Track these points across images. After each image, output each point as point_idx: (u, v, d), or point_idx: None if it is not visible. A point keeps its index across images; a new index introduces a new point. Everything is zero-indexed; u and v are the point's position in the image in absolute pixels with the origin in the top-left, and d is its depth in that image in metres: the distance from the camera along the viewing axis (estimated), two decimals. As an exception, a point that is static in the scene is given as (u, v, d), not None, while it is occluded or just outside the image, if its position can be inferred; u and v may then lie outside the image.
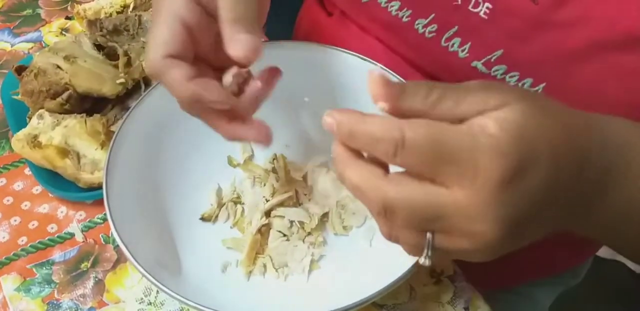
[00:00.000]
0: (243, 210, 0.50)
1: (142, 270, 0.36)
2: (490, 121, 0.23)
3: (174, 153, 0.48)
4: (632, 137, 0.29)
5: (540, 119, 0.24)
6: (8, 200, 0.53)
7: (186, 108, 0.35)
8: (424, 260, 0.26)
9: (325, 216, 0.48)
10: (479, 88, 0.25)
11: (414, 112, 0.25)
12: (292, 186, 0.49)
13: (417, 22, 0.44)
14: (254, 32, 0.32)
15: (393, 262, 0.42)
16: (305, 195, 0.49)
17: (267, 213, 0.48)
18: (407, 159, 0.24)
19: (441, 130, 0.23)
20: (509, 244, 0.25)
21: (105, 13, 0.58)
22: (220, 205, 0.49)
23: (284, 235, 0.47)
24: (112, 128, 0.52)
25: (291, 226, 0.47)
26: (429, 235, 0.25)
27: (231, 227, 0.49)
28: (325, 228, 0.48)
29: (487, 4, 0.39)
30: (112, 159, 0.43)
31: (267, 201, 0.48)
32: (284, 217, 0.48)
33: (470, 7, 0.40)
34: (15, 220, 0.52)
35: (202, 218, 0.48)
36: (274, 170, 0.51)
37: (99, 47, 0.56)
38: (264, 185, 0.51)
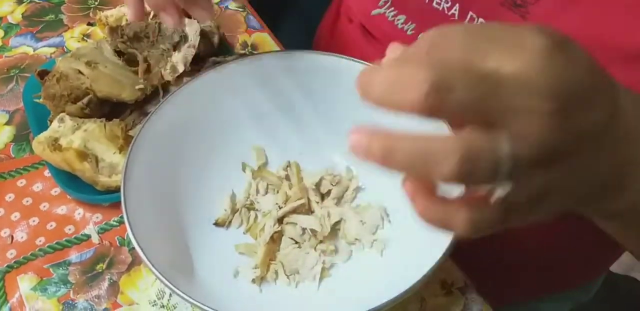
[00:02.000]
0: (256, 216, 0.50)
1: (156, 272, 0.37)
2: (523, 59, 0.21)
3: (190, 158, 0.49)
4: None
5: (577, 52, 0.22)
6: (27, 201, 0.55)
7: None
8: (501, 191, 0.22)
9: (337, 224, 0.49)
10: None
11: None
12: (305, 193, 0.50)
13: (420, 36, 0.44)
14: None
15: (404, 273, 0.42)
16: (318, 203, 0.49)
17: (280, 220, 0.49)
18: (447, 51, 0.22)
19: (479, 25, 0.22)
20: (564, 135, 0.21)
21: (127, 20, 0.59)
22: (234, 211, 0.50)
23: (296, 242, 0.48)
24: (131, 133, 0.53)
25: (303, 233, 0.48)
26: (504, 137, 0.20)
27: (244, 233, 0.49)
28: (337, 237, 0.49)
29: (481, 20, 0.40)
30: (130, 163, 0.43)
31: (280, 208, 0.49)
32: (296, 224, 0.48)
33: (466, 23, 0.41)
34: (34, 221, 0.53)
35: (216, 224, 0.49)
36: (287, 177, 0.52)
37: (119, 53, 0.58)
38: (277, 192, 0.51)
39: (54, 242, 0.52)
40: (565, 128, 0.21)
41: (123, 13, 0.60)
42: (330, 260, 0.47)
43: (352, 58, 0.46)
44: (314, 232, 0.48)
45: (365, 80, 0.22)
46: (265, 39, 0.68)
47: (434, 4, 0.43)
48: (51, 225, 0.53)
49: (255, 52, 0.66)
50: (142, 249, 0.38)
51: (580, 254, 0.56)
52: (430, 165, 0.20)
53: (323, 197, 0.51)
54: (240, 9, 0.72)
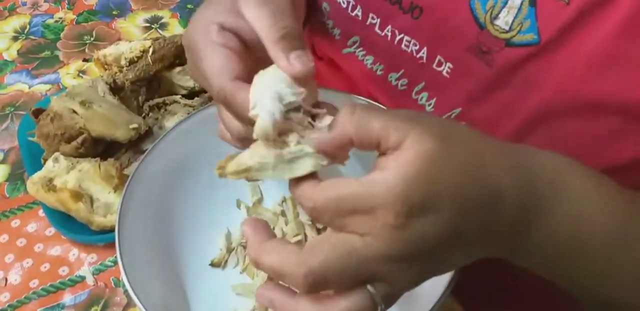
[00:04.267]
0: (253, 254, 0.50)
1: None
2: (390, 163, 0.24)
3: (185, 197, 0.49)
4: (565, 176, 0.29)
5: (442, 161, 0.24)
6: (21, 242, 0.54)
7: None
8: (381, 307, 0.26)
9: (334, 261, 0.48)
10: (402, 117, 0.25)
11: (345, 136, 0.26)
12: (302, 229, 0.49)
13: (389, 75, 0.45)
14: (304, 46, 0.30)
15: (405, 307, 0.42)
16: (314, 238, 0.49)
17: None
18: (325, 221, 0.26)
19: (342, 187, 0.25)
20: (423, 274, 0.27)
21: (125, 58, 0.59)
22: (230, 250, 0.49)
23: (294, 281, 0.47)
24: (126, 171, 0.53)
25: (301, 271, 0.47)
26: (369, 286, 0.25)
27: (241, 272, 0.49)
28: (334, 274, 0.48)
29: (448, 64, 0.40)
30: (125, 203, 0.43)
31: (276, 246, 0.48)
32: (293, 262, 0.48)
33: (434, 66, 0.41)
34: (27, 263, 0.53)
35: (212, 264, 0.48)
36: (282, 213, 0.51)
37: (114, 90, 0.58)
38: (273, 228, 0.51)
39: (48, 285, 0.51)
40: (413, 270, 0.25)
41: (121, 51, 0.60)
42: (329, 299, 0.46)
43: (336, 90, 0.46)
44: (311, 270, 0.47)
45: (252, 260, 0.27)
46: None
47: (402, 46, 0.43)
48: (45, 267, 0.52)
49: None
50: (134, 291, 0.38)
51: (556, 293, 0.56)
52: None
53: (319, 232, 0.50)
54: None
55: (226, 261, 0.49)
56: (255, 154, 0.28)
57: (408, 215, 0.23)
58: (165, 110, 0.58)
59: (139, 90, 0.59)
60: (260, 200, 0.53)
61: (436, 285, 0.39)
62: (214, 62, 0.32)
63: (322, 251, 0.25)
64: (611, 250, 0.30)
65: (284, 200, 0.52)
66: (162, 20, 0.78)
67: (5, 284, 0.51)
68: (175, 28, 0.76)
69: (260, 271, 0.48)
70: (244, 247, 0.50)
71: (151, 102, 0.58)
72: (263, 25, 0.30)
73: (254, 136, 0.28)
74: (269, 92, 0.27)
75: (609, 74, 0.33)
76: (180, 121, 0.49)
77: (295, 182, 0.27)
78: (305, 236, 0.49)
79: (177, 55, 0.60)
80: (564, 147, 0.35)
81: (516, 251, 0.30)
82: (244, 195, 0.53)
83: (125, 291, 0.50)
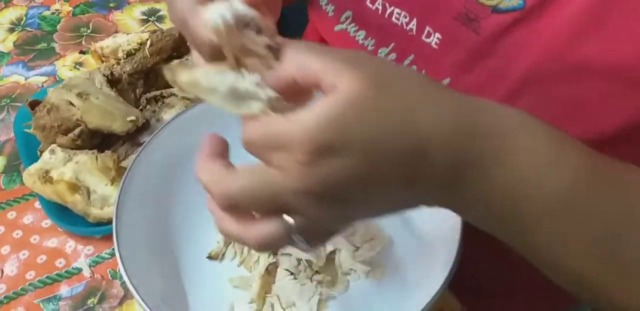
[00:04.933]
0: (249, 248, 0.50)
1: (146, 307, 0.36)
2: (317, 104, 0.25)
3: (183, 190, 0.49)
4: (511, 139, 0.28)
5: (363, 107, 0.25)
6: (17, 234, 0.54)
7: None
8: (305, 247, 0.28)
9: (332, 254, 0.48)
10: (339, 56, 0.26)
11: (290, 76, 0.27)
12: (300, 223, 0.49)
13: (379, 51, 0.46)
14: None
15: (402, 302, 0.42)
16: (313, 233, 0.49)
17: (274, 251, 0.48)
18: (254, 153, 0.27)
19: (269, 123, 0.26)
20: (343, 212, 0.27)
21: (123, 50, 0.59)
22: (227, 243, 0.49)
23: (292, 274, 0.47)
24: (123, 164, 0.53)
25: (299, 264, 0.47)
26: (288, 218, 0.27)
27: (238, 265, 0.48)
28: (332, 267, 0.48)
29: (437, 34, 0.41)
30: (122, 195, 0.43)
31: (274, 239, 0.48)
32: (291, 255, 0.48)
33: (423, 37, 0.42)
34: (24, 254, 0.52)
35: (209, 257, 0.48)
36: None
37: (111, 82, 0.58)
38: (272, 221, 0.51)
39: (45, 276, 0.51)
40: (330, 207, 0.26)
41: (118, 44, 0.60)
42: (327, 291, 0.46)
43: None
44: (309, 263, 0.47)
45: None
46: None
47: (393, 19, 0.43)
48: (41, 259, 0.52)
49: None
50: (132, 283, 0.38)
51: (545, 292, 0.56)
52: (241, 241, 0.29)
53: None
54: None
55: (223, 254, 0.49)
56: (212, 76, 0.28)
57: (315, 154, 0.24)
58: (163, 102, 0.57)
59: (137, 83, 0.59)
60: (258, 193, 0.53)
61: (433, 279, 0.39)
62: None
63: (243, 178, 0.27)
64: (553, 215, 0.28)
65: (282, 194, 0.52)
66: (160, 13, 0.78)
67: (2, 275, 0.51)
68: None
69: (257, 265, 0.48)
70: (242, 240, 0.50)
71: (148, 95, 0.58)
72: None
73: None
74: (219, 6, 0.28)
75: (592, 36, 0.33)
76: (179, 113, 0.49)
77: (247, 117, 0.28)
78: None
79: (174, 48, 0.60)
80: (551, 113, 0.36)
81: (455, 206, 0.30)
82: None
83: (123, 283, 0.50)
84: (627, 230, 0.29)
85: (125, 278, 0.38)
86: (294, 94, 0.27)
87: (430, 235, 0.45)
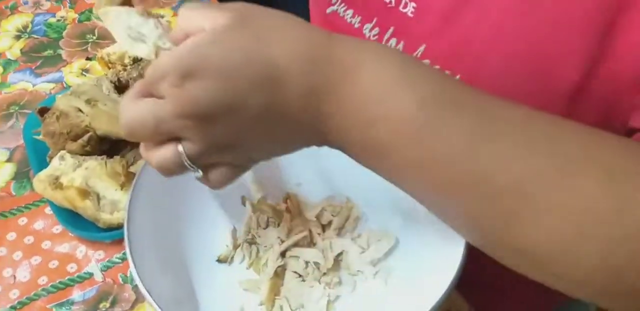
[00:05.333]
0: (258, 251, 0.50)
1: (158, 309, 0.37)
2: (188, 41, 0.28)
3: (191, 194, 0.49)
4: (362, 58, 0.29)
5: (220, 39, 0.28)
6: (29, 240, 0.55)
7: None
8: (197, 174, 0.32)
9: (339, 256, 0.49)
10: (215, 9, 0.29)
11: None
12: (306, 226, 0.50)
13: (365, 27, 0.48)
14: None
15: (410, 301, 0.42)
16: (319, 234, 0.50)
17: (282, 254, 0.49)
18: (149, 86, 0.30)
19: (158, 60, 0.29)
20: (226, 137, 0.30)
21: (129, 57, 0.60)
22: (236, 246, 0.50)
23: (300, 276, 0.48)
24: (131, 169, 0.53)
25: (306, 266, 0.48)
26: (179, 147, 0.30)
27: (247, 268, 0.49)
28: (340, 268, 0.49)
29: (412, 4, 0.44)
30: (133, 200, 0.44)
31: (282, 241, 0.49)
32: (299, 257, 0.48)
33: (400, 8, 0.45)
34: (36, 260, 0.53)
35: (219, 260, 0.49)
36: (287, 210, 0.52)
37: (118, 89, 0.58)
38: (278, 225, 0.51)
39: (57, 281, 0.51)
40: (210, 130, 0.29)
41: (125, 50, 0.61)
42: (335, 293, 0.47)
43: None
44: (317, 265, 0.48)
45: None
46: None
47: None
48: (53, 264, 0.53)
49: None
50: (145, 287, 0.38)
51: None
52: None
53: (324, 228, 0.51)
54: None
55: (232, 257, 0.50)
56: (122, 14, 0.33)
57: (180, 77, 0.27)
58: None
59: (143, 89, 0.59)
60: (264, 197, 0.53)
61: (440, 279, 0.40)
62: None
63: (130, 110, 0.30)
64: (403, 136, 0.29)
65: (288, 197, 0.53)
66: (164, 19, 0.78)
67: (14, 281, 0.52)
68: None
69: (266, 267, 0.49)
70: (250, 243, 0.51)
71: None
72: None
73: None
74: None
75: None
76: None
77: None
78: (310, 232, 0.50)
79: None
80: (516, 73, 0.39)
81: (323, 140, 0.32)
82: (248, 193, 0.53)
83: (134, 287, 0.50)
84: (477, 152, 0.28)
85: (137, 281, 0.38)
86: None
87: (436, 235, 0.45)
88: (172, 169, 0.32)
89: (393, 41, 0.46)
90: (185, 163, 0.31)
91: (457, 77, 0.42)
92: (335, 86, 0.29)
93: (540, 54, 0.38)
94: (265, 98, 0.28)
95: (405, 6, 0.44)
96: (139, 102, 0.30)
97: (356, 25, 0.49)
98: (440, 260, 0.43)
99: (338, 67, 0.29)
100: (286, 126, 0.30)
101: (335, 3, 0.50)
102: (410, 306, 0.42)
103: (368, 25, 0.48)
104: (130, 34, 0.32)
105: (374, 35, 0.47)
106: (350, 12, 0.49)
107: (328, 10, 0.51)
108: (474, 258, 0.41)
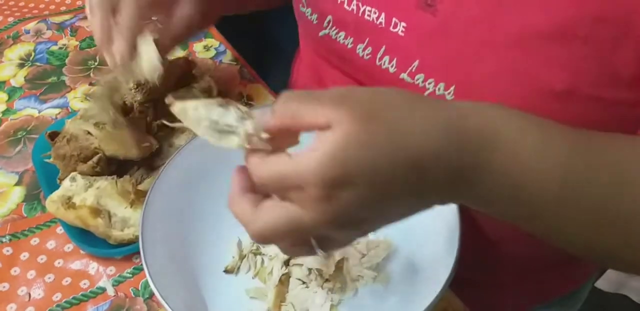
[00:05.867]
0: (263, 261, 0.53)
1: None
2: (317, 144, 0.28)
3: (199, 208, 0.53)
4: (500, 133, 0.31)
5: (356, 142, 0.28)
6: (42, 259, 0.57)
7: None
8: (324, 254, 0.32)
9: (340, 262, 0.52)
10: (327, 100, 0.29)
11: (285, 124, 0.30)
12: (308, 235, 0.53)
13: (358, 47, 0.52)
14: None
15: (408, 304, 0.45)
16: (321, 244, 0.52)
17: (286, 263, 0.52)
18: (269, 191, 0.31)
19: (276, 164, 0.29)
20: (362, 232, 0.32)
21: (133, 81, 0.63)
22: (242, 257, 0.53)
23: (303, 283, 0.50)
24: (139, 187, 0.56)
25: (309, 273, 0.51)
26: (313, 241, 0.31)
27: (253, 277, 0.52)
28: (341, 274, 0.51)
29: (402, 23, 0.47)
30: (145, 216, 0.47)
31: (286, 251, 0.52)
32: (302, 265, 0.51)
33: (391, 28, 0.48)
34: (49, 278, 0.55)
35: (226, 271, 0.51)
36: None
37: (124, 111, 0.61)
38: (282, 235, 0.54)
39: (71, 297, 0.54)
40: (350, 232, 0.32)
41: (127, 75, 0.64)
42: (338, 297, 0.49)
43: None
44: (319, 272, 0.50)
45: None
46: (259, 89, 0.72)
47: (366, 16, 0.49)
48: (67, 281, 0.55)
49: (251, 103, 0.70)
50: (162, 295, 0.41)
51: (562, 261, 0.61)
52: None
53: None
54: (234, 63, 0.77)
55: (239, 267, 0.52)
56: (200, 108, 0.31)
57: (326, 189, 0.27)
58: (174, 128, 0.61)
59: (147, 111, 0.62)
60: (267, 210, 0.56)
61: (436, 280, 0.43)
62: None
63: (267, 215, 0.30)
64: (554, 191, 0.32)
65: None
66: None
67: (29, 299, 0.54)
68: (174, 50, 0.80)
69: (271, 276, 0.51)
70: (255, 254, 0.53)
71: (159, 122, 0.62)
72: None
73: None
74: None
75: (534, 5, 0.39)
76: (193, 137, 0.53)
77: (249, 152, 0.31)
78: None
79: (181, 77, 0.64)
80: (505, 81, 0.42)
81: (466, 201, 0.33)
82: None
83: (145, 300, 0.53)
84: (620, 193, 0.33)
85: (154, 290, 0.41)
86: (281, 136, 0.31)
87: (431, 240, 0.48)
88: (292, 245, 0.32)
89: (386, 58, 0.49)
90: (317, 251, 0.32)
91: (452, 88, 0.45)
92: (479, 159, 0.31)
93: (528, 59, 0.41)
94: (412, 190, 0.30)
95: (396, 26, 0.47)
96: (274, 207, 0.30)
97: (349, 46, 0.52)
98: (434, 262, 0.46)
99: (478, 140, 0.31)
100: (426, 202, 0.32)
101: (327, 27, 0.54)
102: (408, 307, 0.45)
103: (361, 45, 0.51)
104: (215, 127, 0.31)
105: (367, 54, 0.51)
106: (342, 34, 0.52)
107: (320, 34, 0.55)
108: (463, 254, 0.44)
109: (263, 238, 0.31)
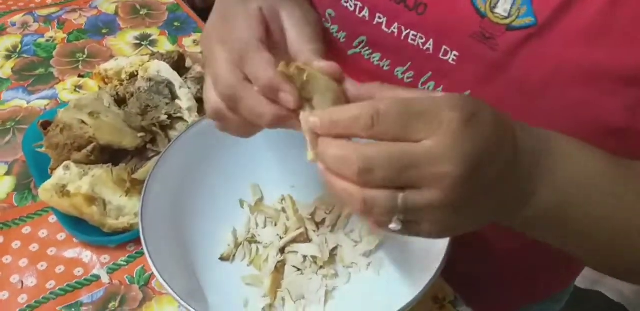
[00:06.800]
0: (258, 249, 0.54)
1: (178, 299, 0.40)
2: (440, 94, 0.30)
3: (195, 198, 0.53)
4: (558, 147, 0.35)
5: (480, 106, 0.30)
6: (34, 247, 0.57)
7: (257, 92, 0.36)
8: (395, 225, 0.30)
9: (334, 250, 0.53)
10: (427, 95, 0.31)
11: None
12: (302, 223, 0.54)
13: (396, 70, 0.50)
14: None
15: (401, 291, 0.47)
16: (314, 231, 0.54)
17: (282, 250, 0.53)
18: (384, 125, 0.29)
19: (407, 99, 0.29)
20: (465, 200, 0.29)
21: (126, 72, 0.63)
22: (237, 245, 0.53)
23: (298, 270, 0.52)
24: (135, 176, 0.57)
25: (304, 261, 0.52)
26: (401, 195, 0.29)
27: (248, 265, 0.53)
28: (335, 261, 0.53)
29: (454, 52, 0.45)
30: (145, 205, 0.47)
31: (280, 239, 0.53)
32: (297, 252, 0.52)
33: (440, 55, 0.46)
34: (42, 266, 0.55)
35: (222, 258, 0.52)
36: (283, 210, 0.56)
37: (117, 102, 0.62)
38: (276, 224, 0.55)
39: (65, 285, 0.54)
40: (467, 187, 0.29)
41: (121, 66, 0.64)
42: (332, 284, 0.51)
43: None
44: (314, 259, 0.52)
45: (321, 150, 0.30)
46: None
47: (409, 40, 0.47)
48: (60, 269, 0.55)
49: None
50: (164, 279, 0.41)
51: (553, 261, 0.62)
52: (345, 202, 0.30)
53: (318, 225, 0.55)
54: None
55: (234, 255, 0.53)
56: None
57: (470, 115, 0.28)
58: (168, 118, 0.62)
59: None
60: (261, 199, 0.57)
61: (427, 268, 0.44)
62: (247, 19, 0.37)
63: (383, 145, 0.29)
64: (604, 207, 0.36)
65: (283, 199, 0.57)
66: (152, 38, 0.82)
67: (22, 287, 0.54)
68: (164, 45, 0.81)
69: (266, 264, 0.52)
70: (250, 242, 0.54)
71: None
72: (301, 41, 0.38)
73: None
74: None
75: (601, 43, 0.38)
76: (187, 128, 0.53)
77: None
78: (306, 229, 0.54)
79: (174, 70, 0.65)
80: (565, 114, 0.41)
81: (525, 209, 0.35)
82: (246, 196, 0.57)
83: (141, 287, 0.53)
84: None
85: (157, 274, 0.41)
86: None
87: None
88: (377, 212, 0.30)
89: (431, 84, 0.47)
90: (395, 218, 0.30)
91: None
92: (547, 159, 0.34)
93: (589, 96, 0.40)
94: (511, 155, 0.31)
95: (446, 54, 0.44)
96: (390, 142, 0.29)
97: (385, 68, 0.50)
98: (426, 250, 0.48)
99: (546, 150, 0.34)
100: (508, 194, 0.33)
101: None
102: (401, 293, 0.46)
103: (401, 68, 0.49)
104: None
105: (408, 77, 0.49)
106: (377, 55, 0.50)
107: (350, 52, 0.52)
108: (461, 250, 0.45)
109: (371, 164, 0.28)
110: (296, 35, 0.38)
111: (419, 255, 0.49)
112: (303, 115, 0.32)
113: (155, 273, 0.42)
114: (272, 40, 0.39)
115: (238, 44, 0.36)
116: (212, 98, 0.38)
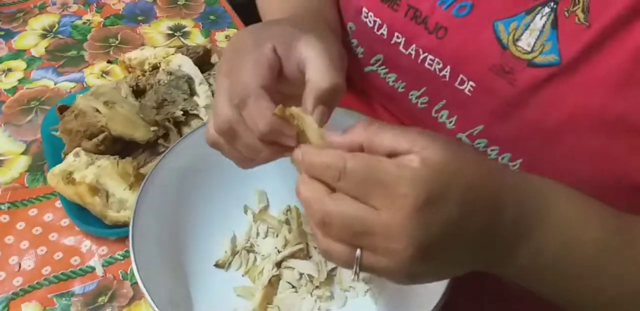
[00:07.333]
0: (255, 259, 0.52)
1: (155, 308, 0.39)
2: (416, 157, 0.28)
3: (196, 199, 0.52)
4: (552, 199, 0.33)
5: (459, 163, 0.28)
6: (37, 230, 0.57)
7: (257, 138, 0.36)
8: (354, 276, 0.30)
9: (333, 270, 0.51)
10: (413, 130, 0.29)
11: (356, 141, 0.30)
12: (304, 238, 0.52)
13: (410, 93, 0.48)
14: (334, 104, 0.37)
15: None
16: (316, 248, 0.52)
17: (278, 264, 0.51)
18: (347, 183, 0.28)
19: (375, 160, 0.28)
20: (421, 268, 0.29)
21: (149, 63, 0.63)
22: (234, 253, 0.52)
23: (293, 287, 0.50)
24: (141, 170, 0.56)
25: (300, 278, 0.50)
26: (358, 251, 0.29)
27: (243, 275, 0.51)
28: (333, 283, 0.51)
29: (471, 83, 0.42)
30: (140, 200, 0.46)
31: (279, 252, 0.51)
32: (294, 268, 0.50)
33: (456, 84, 0.43)
34: (41, 250, 0.55)
35: (217, 265, 0.51)
36: (287, 222, 0.54)
37: (136, 93, 0.61)
38: (277, 235, 0.54)
39: (60, 272, 0.54)
40: (420, 262, 0.28)
41: (145, 56, 0.64)
42: (326, 306, 0.49)
43: (343, 107, 0.49)
44: (311, 278, 0.50)
45: (296, 186, 0.31)
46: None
47: (426, 64, 0.45)
48: (58, 255, 0.55)
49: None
50: (144, 286, 0.40)
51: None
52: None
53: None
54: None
55: (230, 263, 0.52)
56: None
57: (427, 200, 0.27)
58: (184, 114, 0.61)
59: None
60: (266, 207, 0.56)
61: (430, 299, 0.42)
62: (250, 66, 0.36)
63: (344, 204, 0.28)
64: (595, 263, 0.33)
65: (289, 209, 0.55)
66: (185, 29, 0.81)
67: (19, 269, 0.54)
68: (197, 37, 0.80)
69: (261, 276, 0.51)
70: (248, 251, 0.53)
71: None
72: (316, 73, 0.35)
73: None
74: None
75: (628, 94, 0.35)
76: (198, 127, 0.52)
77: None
78: (307, 245, 0.52)
79: (198, 65, 0.64)
80: (581, 163, 0.39)
81: (510, 262, 0.32)
82: (251, 202, 0.55)
83: (133, 284, 0.52)
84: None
85: (138, 278, 0.40)
86: None
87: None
88: (337, 263, 0.31)
89: (445, 112, 0.46)
90: (353, 268, 0.29)
91: (519, 161, 0.42)
92: (537, 214, 0.32)
93: (610, 147, 0.38)
94: (483, 224, 0.29)
95: (463, 83, 0.43)
96: (353, 200, 0.28)
97: (400, 90, 0.48)
98: (425, 287, 0.45)
99: (537, 200, 0.32)
100: (483, 247, 0.31)
101: (374, 64, 0.49)
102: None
103: (415, 92, 0.47)
104: None
105: (422, 103, 0.47)
106: (393, 76, 0.48)
107: (366, 69, 0.50)
108: (478, 275, 0.43)
109: (328, 221, 0.29)
110: (314, 69, 0.36)
111: (418, 290, 0.47)
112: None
113: (139, 280, 0.41)
114: (285, 78, 0.38)
115: (241, 89, 0.35)
116: (210, 130, 0.38)
